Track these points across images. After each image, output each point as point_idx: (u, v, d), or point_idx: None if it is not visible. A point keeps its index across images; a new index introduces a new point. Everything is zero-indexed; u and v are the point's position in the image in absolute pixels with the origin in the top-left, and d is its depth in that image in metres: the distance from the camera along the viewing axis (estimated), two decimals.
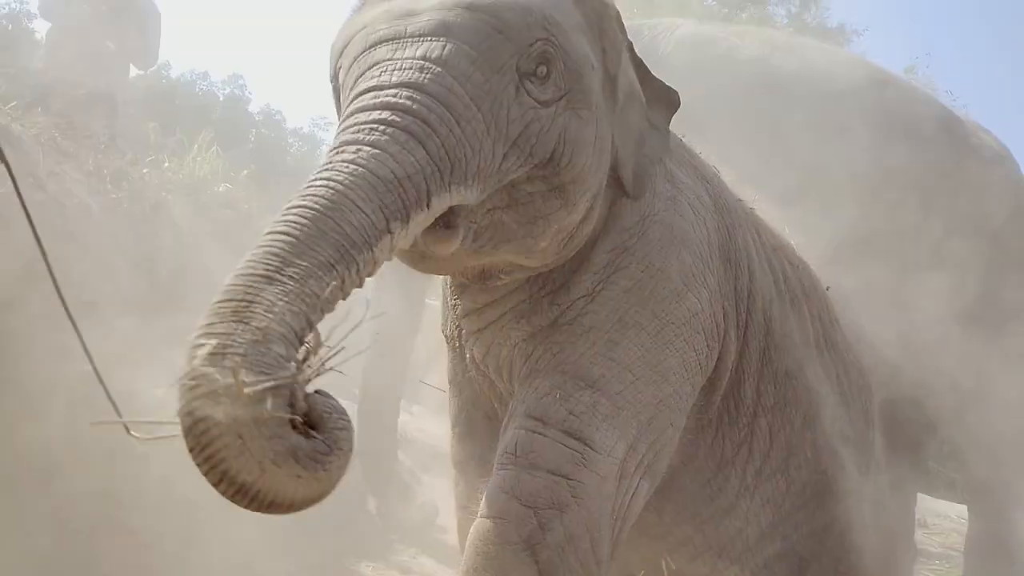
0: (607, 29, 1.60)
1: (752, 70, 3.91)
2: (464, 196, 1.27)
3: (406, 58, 1.28)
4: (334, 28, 1.50)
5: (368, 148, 1.15)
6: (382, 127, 1.18)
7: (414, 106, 1.22)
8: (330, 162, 1.13)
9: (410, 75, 1.26)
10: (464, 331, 1.79)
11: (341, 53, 1.41)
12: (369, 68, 1.30)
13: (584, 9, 1.55)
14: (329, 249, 1.02)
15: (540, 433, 1.50)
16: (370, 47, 1.33)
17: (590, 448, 1.49)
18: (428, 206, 1.18)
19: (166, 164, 4.62)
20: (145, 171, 4.06)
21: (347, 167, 1.11)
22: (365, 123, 1.19)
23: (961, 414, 3.24)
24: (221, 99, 12.62)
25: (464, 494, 1.95)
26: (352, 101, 1.27)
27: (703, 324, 1.69)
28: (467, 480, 1.93)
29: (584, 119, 1.47)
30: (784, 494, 1.97)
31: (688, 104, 1.92)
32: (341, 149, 1.16)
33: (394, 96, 1.23)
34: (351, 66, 1.35)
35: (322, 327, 0.96)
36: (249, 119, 12.43)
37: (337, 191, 1.07)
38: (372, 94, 1.24)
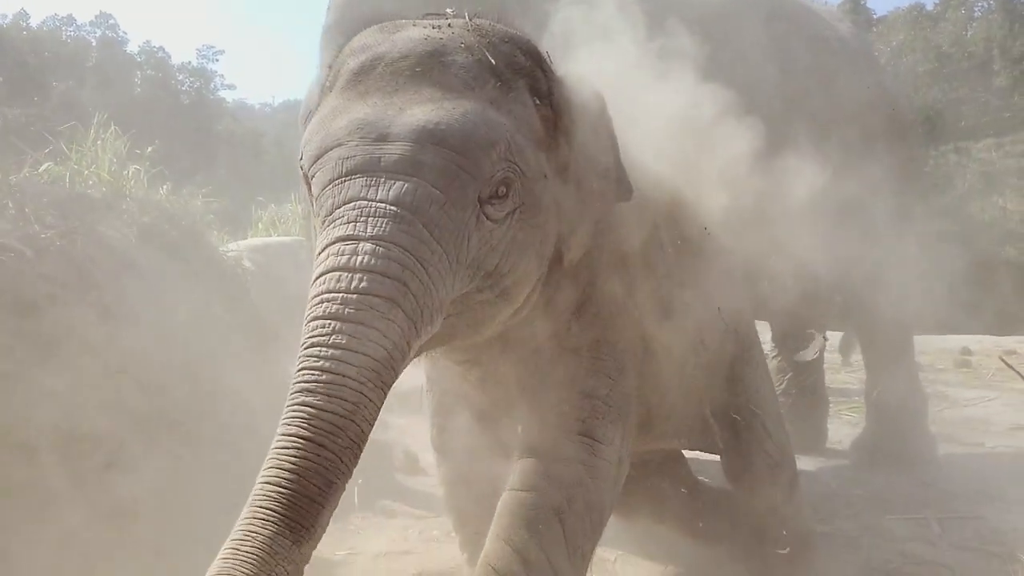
0: (568, 127, 1.71)
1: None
2: (431, 331, 1.42)
3: (379, 201, 1.37)
4: None
5: (359, 327, 1.26)
6: (366, 298, 1.29)
7: (390, 267, 1.31)
8: (326, 333, 1.26)
9: (384, 227, 1.35)
10: None
11: (314, 159, 1.48)
12: (345, 204, 1.39)
13: (546, 112, 1.65)
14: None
15: (561, 434, 1.91)
16: (346, 176, 1.41)
17: (598, 442, 1.91)
18: (409, 356, 1.36)
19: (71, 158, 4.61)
20: (45, 167, 4.09)
21: (348, 355, 1.25)
22: (347, 292, 1.29)
23: (849, 282, 3.78)
24: (94, 43, 11.76)
25: (449, 475, 2.41)
26: (328, 245, 1.35)
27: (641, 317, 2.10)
28: (449, 463, 2.35)
29: (532, 225, 1.61)
30: (705, 374, 2.48)
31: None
32: (327, 321, 1.27)
33: (371, 255, 1.32)
34: (326, 187, 1.44)
35: None
36: (130, 61, 11.61)
37: (346, 381, 1.24)
38: (350, 245, 1.33)
